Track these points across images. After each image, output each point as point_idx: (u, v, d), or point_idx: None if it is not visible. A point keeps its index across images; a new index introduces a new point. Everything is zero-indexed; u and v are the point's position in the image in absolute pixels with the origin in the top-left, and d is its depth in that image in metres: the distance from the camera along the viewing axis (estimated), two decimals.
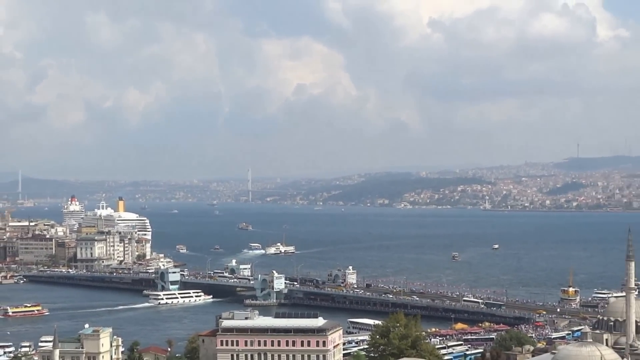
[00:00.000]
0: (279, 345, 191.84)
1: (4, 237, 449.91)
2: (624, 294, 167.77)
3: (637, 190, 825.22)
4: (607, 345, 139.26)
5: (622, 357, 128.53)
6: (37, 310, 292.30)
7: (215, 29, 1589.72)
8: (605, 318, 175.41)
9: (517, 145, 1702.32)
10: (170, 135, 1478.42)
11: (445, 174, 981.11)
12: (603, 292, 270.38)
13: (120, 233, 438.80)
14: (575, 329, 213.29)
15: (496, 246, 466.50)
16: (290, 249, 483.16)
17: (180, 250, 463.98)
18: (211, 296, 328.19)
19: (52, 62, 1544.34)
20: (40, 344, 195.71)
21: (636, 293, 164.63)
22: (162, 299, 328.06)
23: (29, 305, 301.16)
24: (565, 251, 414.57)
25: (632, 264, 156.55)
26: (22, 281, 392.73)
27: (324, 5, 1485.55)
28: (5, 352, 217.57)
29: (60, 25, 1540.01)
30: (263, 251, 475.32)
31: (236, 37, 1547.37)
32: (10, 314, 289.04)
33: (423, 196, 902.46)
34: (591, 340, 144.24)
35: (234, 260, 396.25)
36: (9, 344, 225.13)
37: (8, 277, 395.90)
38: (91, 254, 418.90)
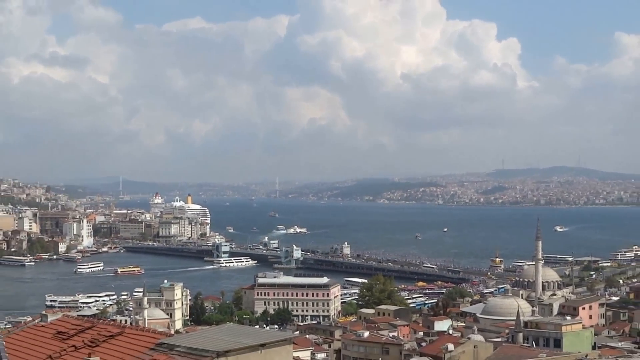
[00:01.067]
0: (296, 295, 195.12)
1: (110, 220, 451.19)
2: (533, 263, 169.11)
3: (543, 191, 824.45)
4: (522, 298, 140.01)
5: (532, 306, 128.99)
6: (137, 270, 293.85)
7: (254, 80, 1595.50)
8: (521, 279, 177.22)
9: (461, 159, 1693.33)
10: (223, 151, 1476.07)
11: (412, 179, 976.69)
12: (519, 261, 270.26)
13: (188, 218, 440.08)
14: (500, 286, 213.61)
15: (445, 229, 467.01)
16: (304, 230, 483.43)
17: (229, 230, 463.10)
18: (256, 261, 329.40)
19: (142, 102, 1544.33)
20: (134, 293, 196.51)
21: (542, 262, 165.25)
22: (221, 263, 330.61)
23: (131, 266, 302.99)
24: (493, 233, 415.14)
25: (540, 242, 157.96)
26: (122, 251, 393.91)
27: (328, 63, 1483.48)
28: (110, 299, 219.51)
29: (148, 76, 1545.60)
30: (285, 231, 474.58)
31: (268, 86, 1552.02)
32: (119, 272, 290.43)
33: (396, 195, 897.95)
34: (511, 294, 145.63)
35: (266, 237, 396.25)
36: (112, 293, 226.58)
37: (112, 248, 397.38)
38: (169, 232, 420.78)
